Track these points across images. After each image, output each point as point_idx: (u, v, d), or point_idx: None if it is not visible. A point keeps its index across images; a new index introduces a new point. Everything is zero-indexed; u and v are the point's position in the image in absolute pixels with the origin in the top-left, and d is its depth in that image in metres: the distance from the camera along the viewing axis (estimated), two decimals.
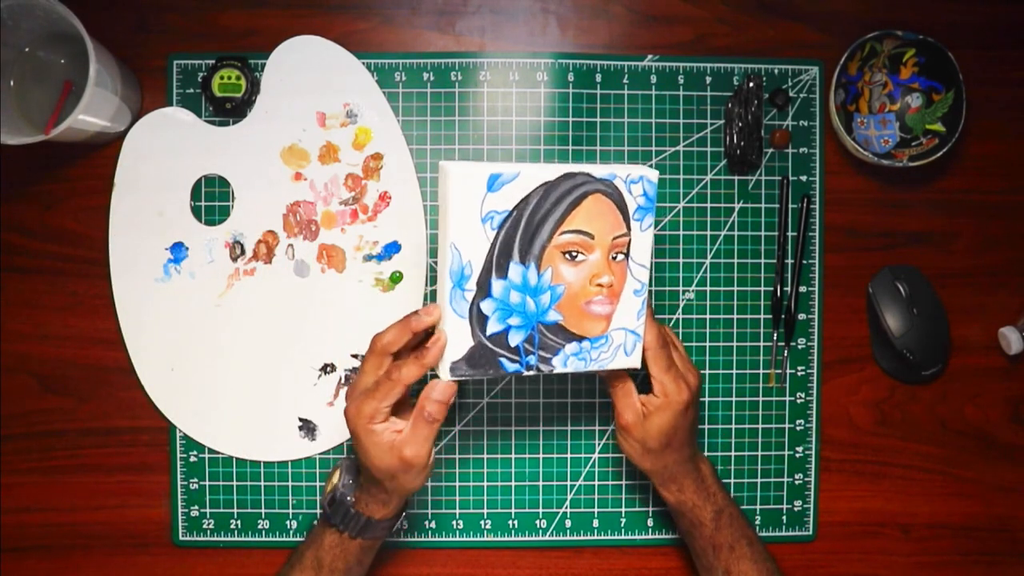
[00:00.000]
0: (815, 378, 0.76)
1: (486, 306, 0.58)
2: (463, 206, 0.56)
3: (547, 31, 0.76)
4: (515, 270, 0.58)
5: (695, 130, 0.75)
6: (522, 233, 0.58)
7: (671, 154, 0.75)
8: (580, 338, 0.60)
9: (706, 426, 0.75)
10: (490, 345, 0.59)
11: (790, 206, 0.76)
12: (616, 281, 0.60)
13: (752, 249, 0.76)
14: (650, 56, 0.75)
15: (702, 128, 0.75)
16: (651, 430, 0.63)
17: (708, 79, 0.75)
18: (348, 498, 0.65)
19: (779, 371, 0.76)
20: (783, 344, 0.76)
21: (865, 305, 0.77)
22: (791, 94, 0.75)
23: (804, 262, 0.76)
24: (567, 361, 0.60)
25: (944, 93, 0.73)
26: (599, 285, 0.60)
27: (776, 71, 0.76)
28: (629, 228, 0.60)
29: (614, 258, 0.60)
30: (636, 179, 0.60)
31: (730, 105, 0.75)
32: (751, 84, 0.75)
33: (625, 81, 0.75)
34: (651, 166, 0.75)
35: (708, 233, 0.76)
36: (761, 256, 0.76)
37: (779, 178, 0.76)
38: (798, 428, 0.76)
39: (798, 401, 0.76)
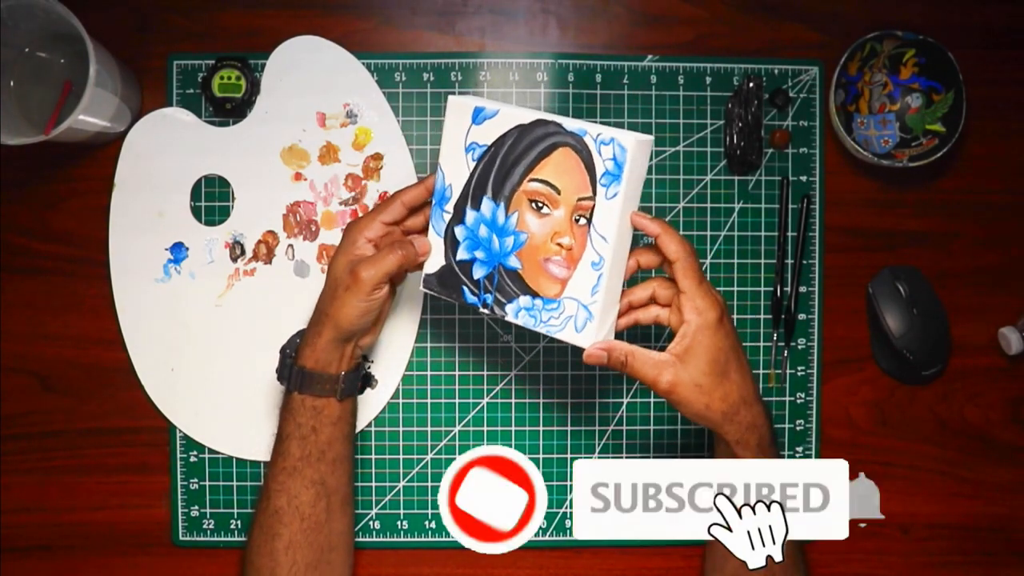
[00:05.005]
0: (815, 378, 0.76)
1: (459, 232, 0.63)
2: (453, 133, 0.62)
3: (547, 31, 0.76)
4: (487, 205, 0.62)
5: (695, 130, 0.75)
6: (497, 170, 0.61)
7: (671, 154, 0.75)
8: (535, 294, 0.61)
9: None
10: (457, 270, 0.64)
11: (790, 206, 0.76)
12: (576, 246, 0.60)
13: (752, 249, 0.76)
14: (650, 56, 0.75)
15: (702, 128, 0.75)
16: (696, 362, 0.59)
17: (708, 79, 0.75)
18: (287, 350, 0.67)
19: (779, 371, 0.76)
20: (783, 344, 0.76)
21: (865, 305, 0.77)
22: (791, 94, 0.75)
23: (804, 262, 0.76)
24: (518, 313, 0.62)
25: (944, 93, 0.73)
26: (559, 244, 0.60)
27: (776, 71, 0.76)
28: (595, 192, 0.59)
29: (577, 220, 0.60)
30: (607, 140, 0.58)
31: (730, 105, 0.75)
32: (751, 84, 0.74)
33: (625, 81, 0.75)
34: (651, 162, 0.75)
35: (708, 233, 0.76)
36: (761, 256, 0.76)
37: (779, 178, 0.76)
38: (798, 428, 0.76)
39: (798, 401, 0.76)
